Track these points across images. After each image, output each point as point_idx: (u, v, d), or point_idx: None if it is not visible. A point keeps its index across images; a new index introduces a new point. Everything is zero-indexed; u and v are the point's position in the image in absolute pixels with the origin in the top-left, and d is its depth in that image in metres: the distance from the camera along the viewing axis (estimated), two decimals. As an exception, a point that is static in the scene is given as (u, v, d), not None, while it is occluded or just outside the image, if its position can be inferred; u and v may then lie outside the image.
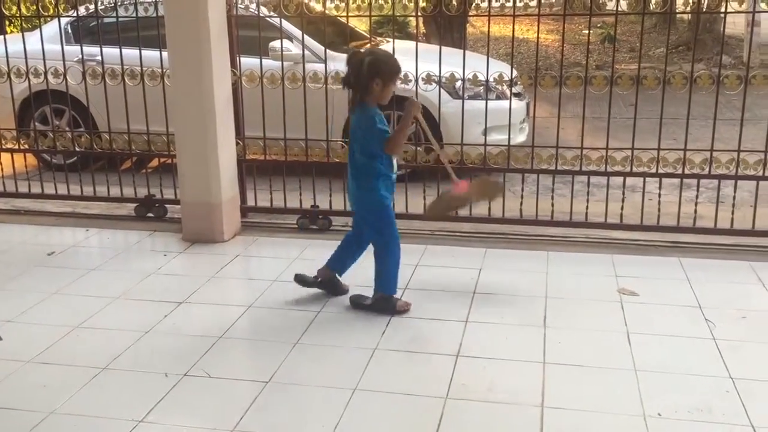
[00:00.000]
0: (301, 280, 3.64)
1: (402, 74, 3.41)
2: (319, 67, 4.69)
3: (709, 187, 4.82)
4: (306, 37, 5.42)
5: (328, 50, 5.12)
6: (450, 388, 2.81)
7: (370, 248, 3.55)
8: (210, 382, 2.88)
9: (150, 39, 4.76)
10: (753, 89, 4.10)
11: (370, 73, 3.25)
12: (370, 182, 3.37)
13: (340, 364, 3.01)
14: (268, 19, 5.16)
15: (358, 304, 3.53)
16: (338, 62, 4.70)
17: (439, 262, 4.12)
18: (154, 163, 5.75)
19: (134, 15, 4.72)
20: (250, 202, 4.87)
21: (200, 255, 4.28)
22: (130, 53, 4.76)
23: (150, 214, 4.93)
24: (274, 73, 4.59)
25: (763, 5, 4.04)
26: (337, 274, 3.63)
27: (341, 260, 3.63)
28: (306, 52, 5.35)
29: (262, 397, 2.76)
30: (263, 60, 4.66)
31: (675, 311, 3.44)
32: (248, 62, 4.72)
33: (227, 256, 4.23)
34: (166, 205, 4.92)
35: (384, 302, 3.47)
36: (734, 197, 4.22)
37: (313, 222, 4.70)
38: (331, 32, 6.15)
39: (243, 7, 4.85)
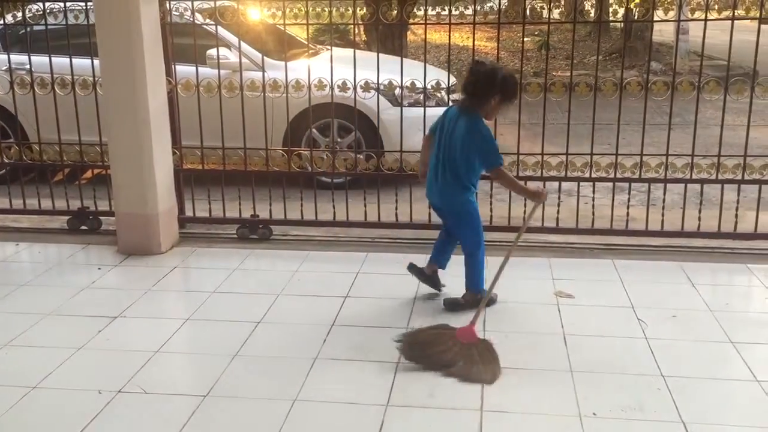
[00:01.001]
0: (414, 270, 3.75)
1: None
2: (257, 75, 4.65)
3: (641, 191, 4.96)
4: (244, 44, 5.38)
5: (267, 58, 5.10)
6: (391, 395, 2.81)
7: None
8: (145, 398, 2.81)
9: (81, 47, 4.64)
10: (681, 95, 4.23)
11: (498, 89, 3.31)
12: (463, 188, 3.45)
13: (280, 375, 2.98)
14: (205, 26, 5.09)
15: (453, 305, 3.57)
16: (277, 70, 4.67)
17: (380, 269, 4.12)
18: (88, 174, 5.60)
19: (64, 23, 4.60)
20: (189, 213, 4.79)
21: (136, 268, 4.18)
22: (61, 62, 4.63)
23: (84, 227, 4.80)
24: (210, 82, 4.53)
25: (689, 13, 4.17)
26: (440, 269, 3.75)
27: (442, 253, 3.74)
28: (244, 60, 5.31)
29: (199, 412, 2.71)
30: (202, 68, 4.60)
31: (609, 312, 3.52)
32: (185, 70, 4.65)
33: (164, 268, 4.14)
34: (101, 218, 4.80)
35: (477, 301, 3.47)
36: (664, 200, 4.36)
37: (253, 231, 4.65)
38: (269, 40, 6.12)
39: (177, 14, 4.77)
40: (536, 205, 3.50)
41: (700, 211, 4.30)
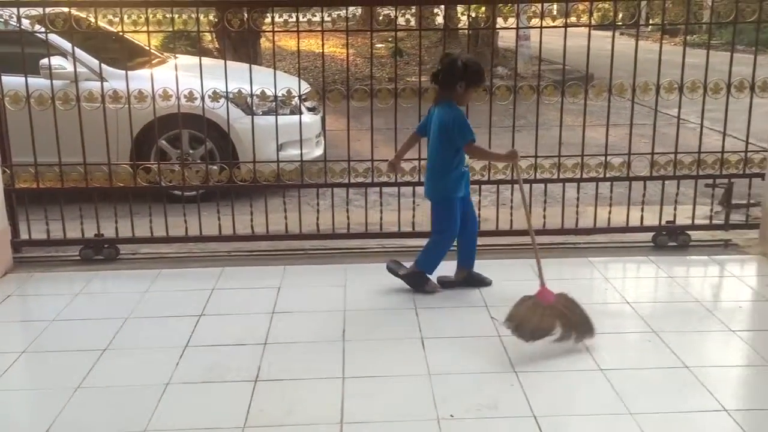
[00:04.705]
0: (442, 283, 3.89)
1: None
2: (95, 85, 4.37)
3: (491, 191, 5.13)
4: (82, 53, 5.06)
5: (107, 67, 4.82)
6: (248, 416, 2.71)
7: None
8: (-28, 444, 2.55)
9: None
10: (523, 98, 4.40)
11: (460, 76, 3.56)
12: (442, 176, 3.70)
13: (127, 406, 2.79)
14: (37, 34, 4.72)
15: (393, 270, 3.82)
16: (120, 80, 4.39)
17: (237, 284, 4.00)
18: None
19: None
20: (24, 236, 4.43)
21: (-37, 299, 3.81)
22: None
23: None
24: (42, 93, 4.21)
25: (527, 21, 4.37)
26: (470, 270, 3.90)
27: (464, 255, 3.89)
28: (84, 69, 4.99)
29: (36, 454, 2.49)
30: (34, 79, 4.27)
31: (464, 313, 3.60)
32: (16, 81, 4.29)
33: (-4, 298, 3.80)
34: None
35: (418, 277, 3.79)
36: (512, 200, 4.53)
37: (98, 252, 4.37)
38: (111, 48, 5.80)
39: (2, 21, 4.39)
40: (516, 166, 3.83)
41: (544, 209, 4.51)
